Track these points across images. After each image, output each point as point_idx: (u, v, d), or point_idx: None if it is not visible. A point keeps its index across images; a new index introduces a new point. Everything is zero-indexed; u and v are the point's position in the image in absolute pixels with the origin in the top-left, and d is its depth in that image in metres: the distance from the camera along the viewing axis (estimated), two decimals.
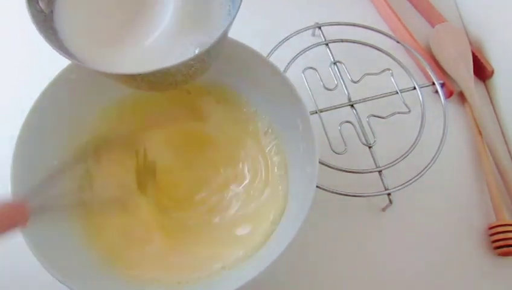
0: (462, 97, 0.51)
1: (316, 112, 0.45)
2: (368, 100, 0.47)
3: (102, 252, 0.37)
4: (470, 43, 0.53)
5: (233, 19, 0.30)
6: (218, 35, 0.29)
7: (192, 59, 0.29)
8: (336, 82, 0.48)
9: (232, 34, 0.35)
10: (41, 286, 0.37)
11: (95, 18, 0.32)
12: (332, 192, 0.42)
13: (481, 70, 0.52)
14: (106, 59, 0.31)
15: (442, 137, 0.45)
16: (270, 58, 0.39)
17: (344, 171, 0.43)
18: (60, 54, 0.29)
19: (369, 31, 0.51)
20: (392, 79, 0.48)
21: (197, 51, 0.31)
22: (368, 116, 0.46)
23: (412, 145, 0.44)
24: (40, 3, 0.30)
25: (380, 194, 0.43)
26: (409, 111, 0.46)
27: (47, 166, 0.37)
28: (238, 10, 0.30)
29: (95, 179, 0.39)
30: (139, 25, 0.32)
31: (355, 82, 0.48)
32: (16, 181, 0.34)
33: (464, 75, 0.51)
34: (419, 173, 0.43)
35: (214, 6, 0.32)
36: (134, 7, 0.32)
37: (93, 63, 0.30)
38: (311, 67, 0.48)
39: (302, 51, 0.49)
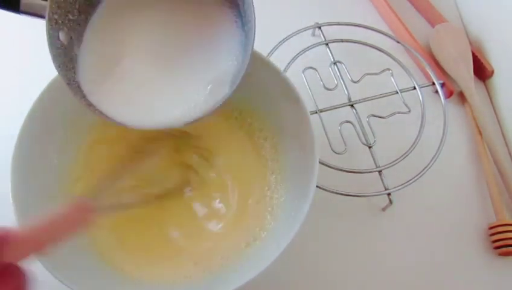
0: (462, 97, 0.51)
1: (316, 112, 0.45)
2: (368, 100, 0.47)
3: (102, 252, 0.37)
4: (470, 43, 0.53)
5: (250, 56, 0.29)
6: (236, 82, 0.30)
7: (210, 111, 0.30)
8: (336, 82, 0.48)
9: None
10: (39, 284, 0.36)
11: (114, 57, 0.32)
12: (333, 192, 0.42)
13: (481, 70, 0.52)
14: (118, 104, 0.31)
15: (442, 137, 0.45)
16: (270, 58, 0.39)
17: (344, 171, 0.43)
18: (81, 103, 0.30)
19: (369, 31, 0.51)
20: (392, 79, 0.48)
21: (209, 87, 0.31)
22: (368, 116, 0.46)
23: (412, 145, 0.44)
24: (60, 36, 0.30)
25: (380, 194, 0.43)
26: (409, 111, 0.46)
27: (47, 166, 0.37)
28: (253, 43, 0.29)
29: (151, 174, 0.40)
30: (152, 65, 0.32)
31: (355, 82, 0.48)
32: (16, 181, 0.34)
33: (464, 75, 0.51)
34: (419, 173, 0.43)
35: (223, 39, 0.32)
36: (150, 48, 0.32)
37: (106, 107, 0.31)
38: (311, 67, 0.48)
39: (302, 51, 0.49)
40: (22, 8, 0.30)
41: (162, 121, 0.31)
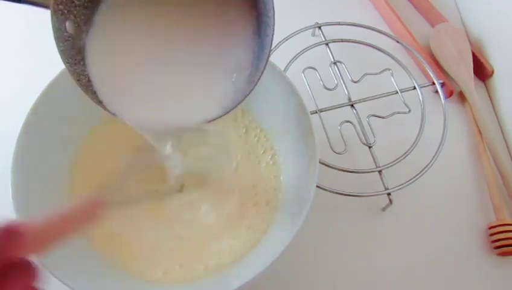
0: (462, 97, 0.51)
1: (316, 112, 0.45)
2: (368, 100, 0.47)
3: (102, 249, 0.37)
4: (470, 43, 0.53)
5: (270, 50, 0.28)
6: (258, 70, 0.29)
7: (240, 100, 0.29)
8: (336, 82, 0.48)
9: None
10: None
11: (127, 50, 0.30)
12: (332, 192, 0.42)
13: (481, 70, 0.52)
14: (135, 101, 0.30)
15: (442, 137, 0.45)
16: (270, 58, 0.39)
17: (344, 171, 0.43)
18: (92, 99, 0.29)
19: (369, 31, 0.51)
20: (392, 79, 0.48)
21: (235, 75, 0.30)
22: (368, 116, 0.46)
23: (412, 145, 0.44)
24: (67, 27, 0.28)
25: (380, 194, 0.43)
26: (409, 111, 0.46)
27: (47, 165, 0.37)
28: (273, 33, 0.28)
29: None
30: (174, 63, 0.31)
31: (355, 82, 0.48)
32: (16, 181, 0.34)
33: (464, 75, 0.51)
34: (419, 172, 0.43)
35: (236, 30, 0.31)
36: (165, 41, 0.31)
37: (119, 104, 0.30)
38: (311, 67, 0.48)
39: (302, 50, 0.49)
40: None
41: (190, 117, 0.30)
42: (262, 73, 0.28)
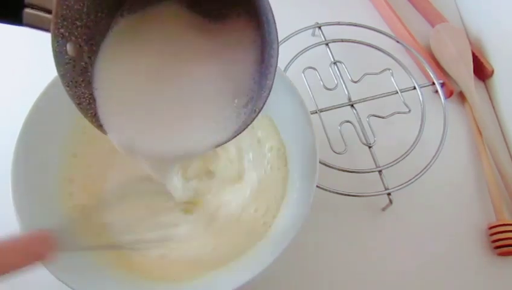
0: (462, 97, 0.51)
1: (316, 112, 0.46)
2: (368, 100, 0.47)
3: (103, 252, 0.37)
4: (470, 43, 0.53)
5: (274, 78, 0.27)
6: (262, 103, 0.28)
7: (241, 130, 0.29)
8: (335, 82, 0.48)
9: None
10: (40, 284, 0.37)
11: (133, 79, 0.30)
12: (332, 192, 0.42)
13: (481, 70, 0.52)
14: (139, 130, 0.29)
15: (442, 137, 0.45)
16: None
17: (344, 171, 0.43)
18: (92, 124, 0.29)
19: (369, 31, 0.51)
20: (392, 79, 0.48)
21: (236, 101, 0.30)
22: (368, 116, 0.46)
23: (412, 145, 0.44)
24: (68, 49, 0.27)
25: (380, 194, 0.43)
26: (409, 111, 0.46)
27: (47, 166, 0.37)
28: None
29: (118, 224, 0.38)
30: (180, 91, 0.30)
31: (355, 82, 0.48)
32: (16, 181, 0.34)
33: (464, 75, 0.51)
34: (419, 172, 0.43)
35: (239, 56, 0.31)
36: (168, 69, 0.31)
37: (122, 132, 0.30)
38: (311, 67, 0.48)
39: (302, 50, 0.49)
40: (24, 21, 0.27)
41: (194, 146, 0.30)
42: (265, 102, 0.28)
